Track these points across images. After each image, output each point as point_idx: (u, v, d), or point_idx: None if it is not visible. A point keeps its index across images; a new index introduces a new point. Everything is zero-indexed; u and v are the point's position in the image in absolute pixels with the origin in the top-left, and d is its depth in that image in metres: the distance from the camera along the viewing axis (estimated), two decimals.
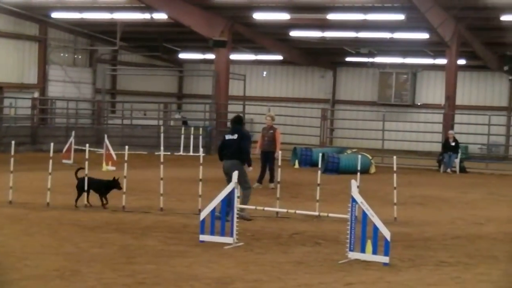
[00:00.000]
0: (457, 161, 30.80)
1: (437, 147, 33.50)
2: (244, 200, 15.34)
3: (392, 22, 34.50)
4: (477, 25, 34.74)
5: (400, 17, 32.64)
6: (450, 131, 32.21)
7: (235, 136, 15.75)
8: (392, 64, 44.65)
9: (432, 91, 44.44)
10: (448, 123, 34.16)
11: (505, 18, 32.49)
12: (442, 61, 38.20)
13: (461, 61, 38.49)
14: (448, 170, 30.54)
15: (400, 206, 16.26)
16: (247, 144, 15.95)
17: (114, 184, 16.74)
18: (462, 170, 30.81)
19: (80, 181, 16.66)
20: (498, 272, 11.16)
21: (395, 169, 16.49)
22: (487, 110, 39.39)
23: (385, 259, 11.37)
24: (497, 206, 20.07)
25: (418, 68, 44.68)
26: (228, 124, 39.57)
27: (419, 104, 44.48)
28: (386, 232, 11.35)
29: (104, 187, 16.78)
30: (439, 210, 18.38)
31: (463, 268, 11.42)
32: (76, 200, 16.55)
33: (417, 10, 30.36)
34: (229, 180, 15.42)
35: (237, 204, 12.90)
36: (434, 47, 39.66)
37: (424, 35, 36.26)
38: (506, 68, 41.02)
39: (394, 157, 16.93)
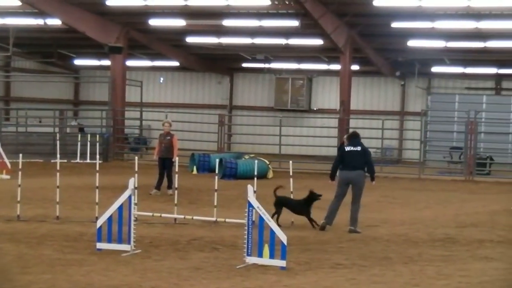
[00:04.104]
0: None
1: (333, 152, 33.59)
2: (356, 214, 15.78)
3: (287, 28, 34.89)
4: (369, 31, 35.49)
5: (295, 23, 33.01)
6: (346, 136, 32.66)
7: (359, 148, 16.51)
8: (288, 70, 45.12)
9: (327, 96, 45.04)
10: (343, 128, 34.67)
11: (395, 25, 33.28)
12: (336, 66, 38.79)
13: (355, 67, 39.23)
14: None
15: None
16: (371, 158, 16.72)
17: (312, 197, 16.28)
18: None
19: (279, 200, 16.26)
20: (392, 273, 11.42)
21: (291, 173, 16.71)
22: (381, 114, 40.27)
23: (282, 263, 11.49)
24: (390, 208, 20.55)
25: (313, 74, 45.24)
26: (126, 130, 39.53)
27: (315, 109, 45.06)
28: (282, 236, 11.48)
29: (305, 205, 16.26)
30: None
31: (358, 270, 11.65)
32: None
33: (310, 16, 30.79)
34: (345, 191, 15.98)
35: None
36: (328, 53, 40.26)
37: (318, 41, 36.81)
38: (398, 73, 42.17)
39: (290, 161, 17.19)
